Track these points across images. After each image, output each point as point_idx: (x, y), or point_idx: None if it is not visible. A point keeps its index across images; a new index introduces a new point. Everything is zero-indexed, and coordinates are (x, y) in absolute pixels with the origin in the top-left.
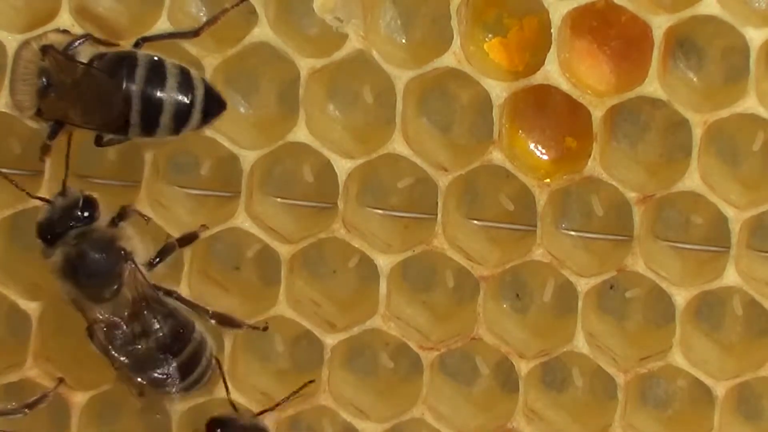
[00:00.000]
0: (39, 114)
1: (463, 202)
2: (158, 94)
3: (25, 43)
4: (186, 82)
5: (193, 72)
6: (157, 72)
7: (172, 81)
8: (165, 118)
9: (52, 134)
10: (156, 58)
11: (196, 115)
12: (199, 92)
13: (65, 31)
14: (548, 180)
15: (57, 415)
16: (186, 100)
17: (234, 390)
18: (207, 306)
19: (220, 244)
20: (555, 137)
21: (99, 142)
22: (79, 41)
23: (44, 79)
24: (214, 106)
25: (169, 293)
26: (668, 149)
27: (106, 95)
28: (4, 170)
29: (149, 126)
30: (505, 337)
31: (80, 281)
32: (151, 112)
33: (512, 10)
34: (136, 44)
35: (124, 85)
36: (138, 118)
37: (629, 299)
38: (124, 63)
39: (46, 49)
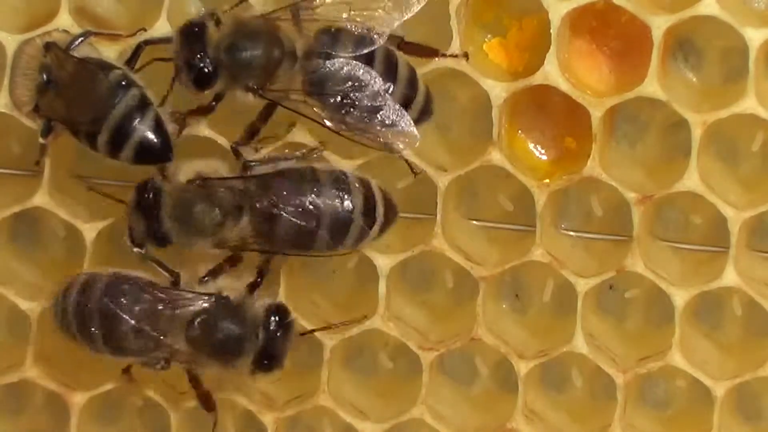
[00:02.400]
0: (36, 111)
1: (463, 202)
2: (107, 111)
3: (29, 40)
4: (134, 113)
5: (152, 109)
6: (117, 92)
7: (122, 105)
8: (103, 137)
9: (46, 132)
10: (123, 81)
11: (129, 148)
12: (141, 128)
13: (65, 32)
14: (547, 180)
15: (57, 415)
16: (123, 128)
17: (233, 389)
18: None
19: None
20: (554, 137)
21: None
22: (80, 39)
23: (44, 75)
24: (151, 149)
25: None
26: (667, 149)
27: (81, 96)
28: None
29: (91, 139)
30: (504, 338)
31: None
32: (95, 126)
33: (511, 10)
34: (138, 47)
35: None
36: (86, 127)
37: (628, 299)
38: (102, 71)
39: (49, 46)
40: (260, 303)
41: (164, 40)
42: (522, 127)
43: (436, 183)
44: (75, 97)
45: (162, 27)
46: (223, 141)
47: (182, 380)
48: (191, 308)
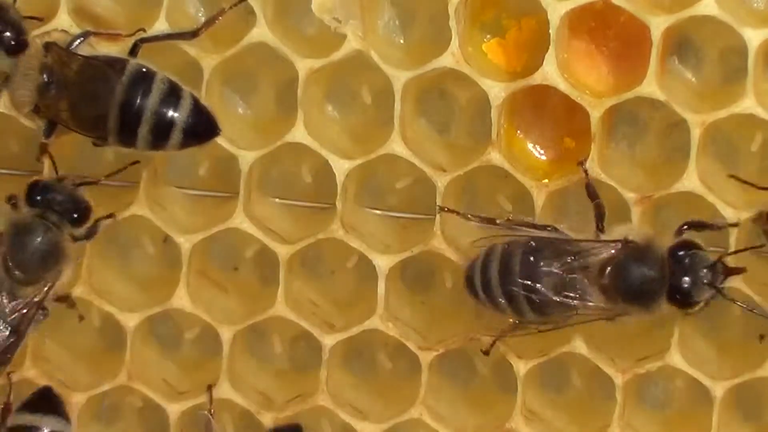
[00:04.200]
0: (36, 111)
1: (462, 202)
2: (137, 104)
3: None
4: (171, 98)
5: (185, 90)
6: (141, 82)
7: (155, 94)
8: (143, 131)
9: (48, 132)
10: (144, 69)
11: (177, 134)
12: (184, 111)
13: (64, 32)
14: (546, 180)
15: None
16: (166, 116)
17: (232, 389)
18: None
19: (218, 245)
20: (553, 138)
21: (97, 141)
22: (80, 39)
23: (45, 76)
24: (199, 129)
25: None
26: (666, 150)
27: (96, 94)
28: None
29: (127, 136)
30: (503, 338)
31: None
32: (129, 122)
33: (510, 10)
34: (134, 46)
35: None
36: (115, 124)
37: None
38: (114, 68)
39: (49, 46)
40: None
41: (160, 38)
42: (521, 127)
43: (435, 183)
44: (83, 96)
45: (161, 27)
46: (221, 140)
47: (182, 380)
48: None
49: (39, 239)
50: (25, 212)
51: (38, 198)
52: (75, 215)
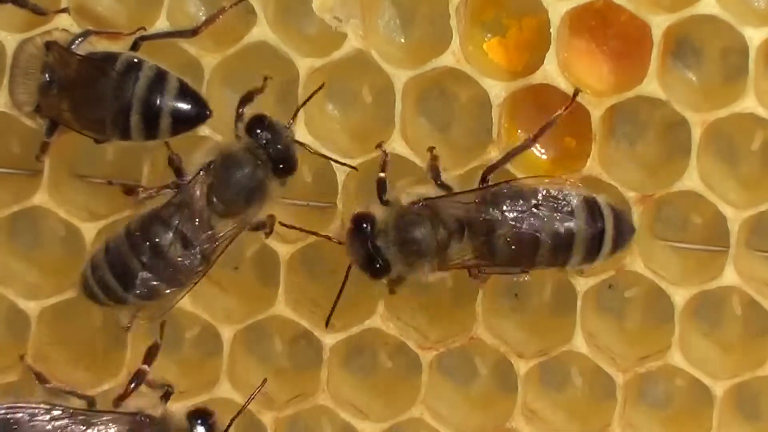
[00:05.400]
0: (37, 110)
1: None
2: (128, 94)
3: (29, 39)
4: (157, 85)
5: (171, 75)
6: (131, 73)
7: (143, 82)
8: (134, 120)
9: (50, 131)
10: (135, 60)
11: (165, 119)
12: (170, 96)
13: (65, 31)
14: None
15: None
16: (152, 103)
17: (233, 389)
18: None
19: None
20: (554, 137)
21: (98, 139)
22: (80, 38)
23: (47, 75)
24: (187, 112)
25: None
26: (667, 149)
27: (96, 92)
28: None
29: (123, 128)
30: (503, 337)
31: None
32: (123, 113)
33: (511, 10)
34: (135, 44)
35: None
36: (112, 119)
37: (628, 299)
38: (110, 63)
39: (50, 45)
40: (180, 411)
41: (160, 36)
42: (521, 127)
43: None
44: (84, 94)
45: (162, 26)
46: (220, 139)
47: (182, 380)
48: (113, 430)
49: (247, 174)
50: (234, 143)
51: (258, 132)
52: (281, 165)
